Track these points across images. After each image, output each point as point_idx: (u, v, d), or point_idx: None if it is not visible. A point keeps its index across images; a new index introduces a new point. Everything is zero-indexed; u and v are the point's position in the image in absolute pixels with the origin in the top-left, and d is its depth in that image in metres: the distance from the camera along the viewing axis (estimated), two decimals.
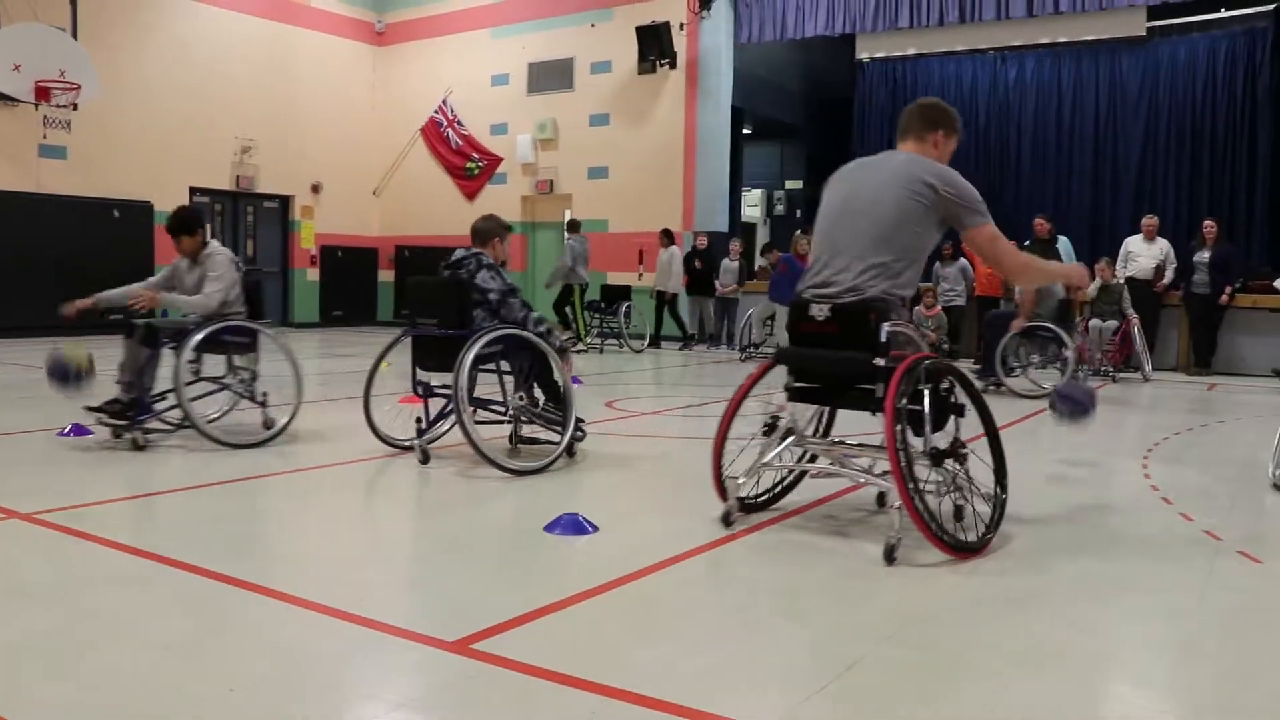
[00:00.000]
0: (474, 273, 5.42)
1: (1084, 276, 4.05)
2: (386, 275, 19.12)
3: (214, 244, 5.97)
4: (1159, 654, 2.86)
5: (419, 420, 5.42)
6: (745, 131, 17.82)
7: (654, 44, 15.38)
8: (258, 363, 5.96)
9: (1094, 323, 10.88)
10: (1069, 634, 2.93)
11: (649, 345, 14.23)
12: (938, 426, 3.68)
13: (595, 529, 3.94)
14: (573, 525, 3.93)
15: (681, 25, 15.43)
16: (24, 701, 2.34)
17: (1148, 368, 11.02)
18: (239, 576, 3.28)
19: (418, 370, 5.51)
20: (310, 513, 4.47)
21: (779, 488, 4.38)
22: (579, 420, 5.47)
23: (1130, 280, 11.68)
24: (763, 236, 19.42)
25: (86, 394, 5.64)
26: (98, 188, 14.80)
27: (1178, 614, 3.16)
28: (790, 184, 19.82)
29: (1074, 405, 4.47)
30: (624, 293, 14.38)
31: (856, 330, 3.72)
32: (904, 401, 3.57)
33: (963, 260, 12.18)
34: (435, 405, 5.48)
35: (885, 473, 3.82)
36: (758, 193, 20.21)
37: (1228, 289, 11.50)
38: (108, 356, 6.22)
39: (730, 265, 14.45)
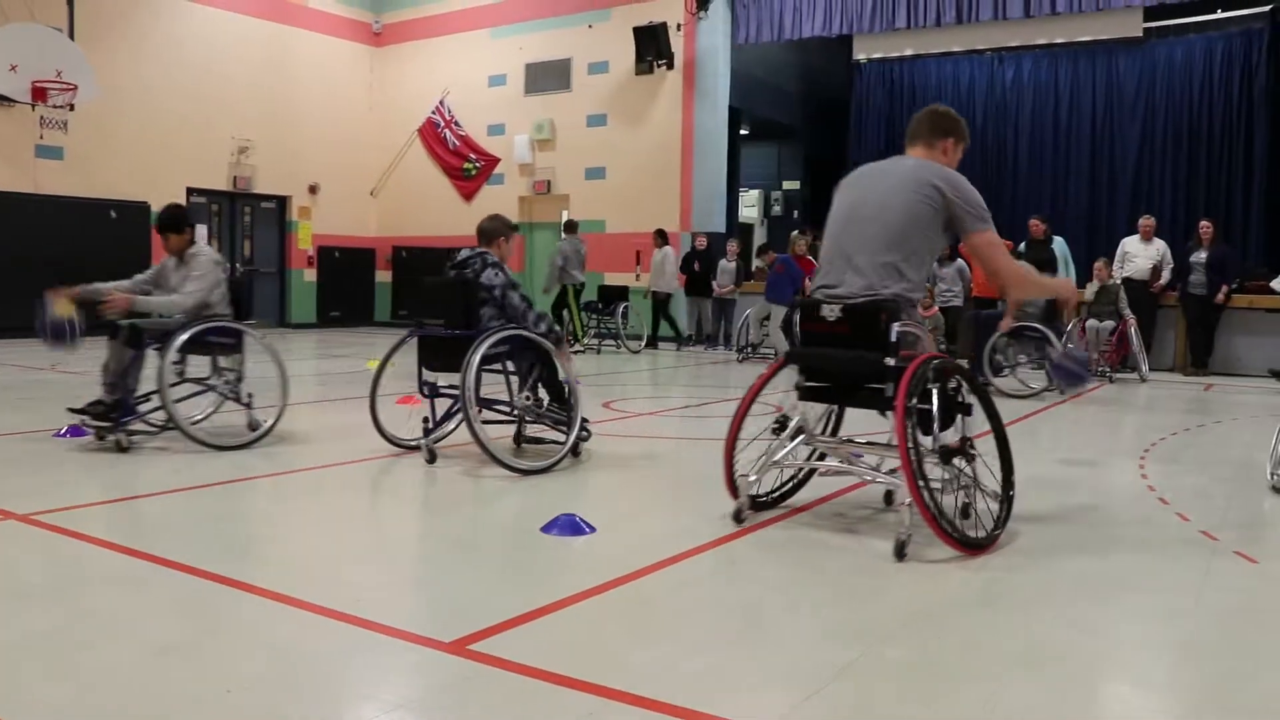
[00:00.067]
0: (479, 271, 5.46)
1: (1074, 293, 4.09)
2: (384, 276, 19.11)
3: (201, 244, 5.94)
4: (1156, 654, 2.86)
5: (426, 420, 5.45)
6: (742, 132, 17.82)
7: (651, 45, 15.38)
8: (243, 364, 5.92)
9: (1091, 323, 10.89)
10: (1067, 634, 2.93)
11: (646, 346, 14.23)
12: (945, 425, 3.74)
13: (593, 529, 3.94)
14: (570, 526, 3.93)
15: (679, 26, 15.43)
16: (23, 702, 2.34)
17: (1144, 368, 11.04)
18: (235, 577, 3.28)
19: (424, 370, 5.54)
20: (307, 513, 4.47)
21: (789, 485, 4.45)
22: (584, 420, 5.50)
23: (1127, 281, 11.69)
24: (760, 237, 19.42)
25: (80, 351, 5.59)
26: (94, 188, 14.78)
27: (1175, 614, 3.16)
28: (787, 184, 19.83)
29: (1069, 375, 4.60)
30: (621, 293, 14.38)
31: (867, 330, 3.79)
32: (914, 400, 3.63)
33: (960, 261, 12.19)
34: (439, 405, 5.51)
35: (892, 470, 3.90)
36: (755, 193, 20.22)
37: (1224, 288, 11.52)
38: (94, 357, 6.19)
39: (727, 266, 14.45)
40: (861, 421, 4.54)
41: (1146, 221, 12.24)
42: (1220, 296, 11.50)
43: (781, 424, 4.11)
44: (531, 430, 5.73)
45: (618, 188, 16.13)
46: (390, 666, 2.63)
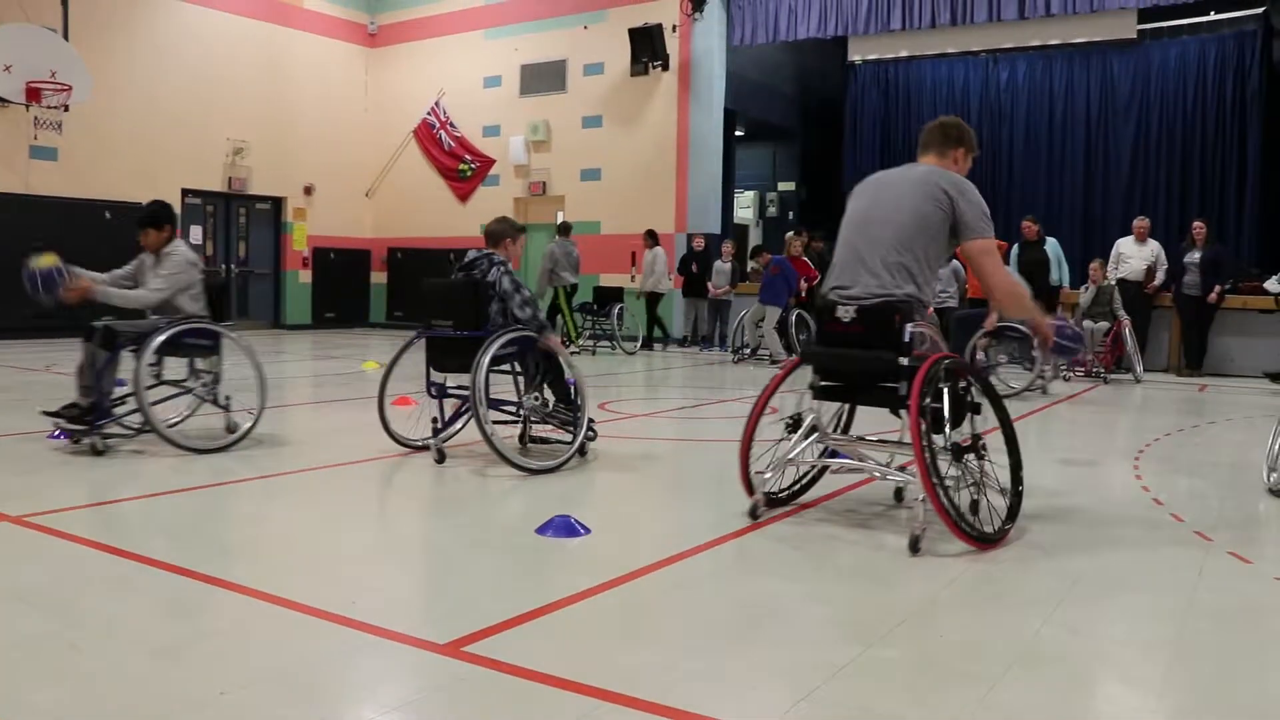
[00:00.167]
0: (486, 272, 5.52)
1: (1049, 336, 4.19)
2: (379, 277, 19.09)
3: (178, 243, 5.89)
4: (1149, 654, 2.87)
5: (435, 420, 5.51)
6: (737, 133, 17.83)
7: (646, 46, 15.38)
8: (220, 366, 5.86)
9: (1085, 324, 10.92)
10: (1061, 634, 2.94)
11: (641, 347, 14.23)
12: (955, 423, 3.86)
13: (587, 531, 3.94)
14: (565, 527, 3.93)
15: (674, 27, 15.43)
16: (19, 705, 2.33)
17: (1139, 369, 11.06)
18: (229, 579, 3.28)
19: (431, 371, 5.58)
20: (303, 515, 4.46)
21: (803, 481, 4.56)
22: (590, 420, 5.56)
23: (1121, 282, 11.72)
24: (755, 238, 19.43)
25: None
26: (89, 189, 14.75)
27: (1168, 615, 3.17)
28: (783, 186, 19.84)
29: (1063, 350, 4.72)
30: (616, 295, 14.37)
31: (881, 331, 3.90)
32: (927, 400, 3.74)
33: (955, 262, 12.20)
34: (436, 405, 5.54)
35: (902, 467, 4.07)
36: (750, 195, 20.23)
37: (1217, 288, 11.54)
38: (74, 359, 6.13)
39: (722, 267, 14.45)
40: (864, 420, 4.61)
41: (1141, 223, 12.27)
42: (1213, 296, 11.52)
43: (795, 422, 4.22)
44: (536, 430, 5.80)
45: (613, 189, 16.13)
46: (385, 668, 2.63)
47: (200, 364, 5.84)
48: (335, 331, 17.65)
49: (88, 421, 5.41)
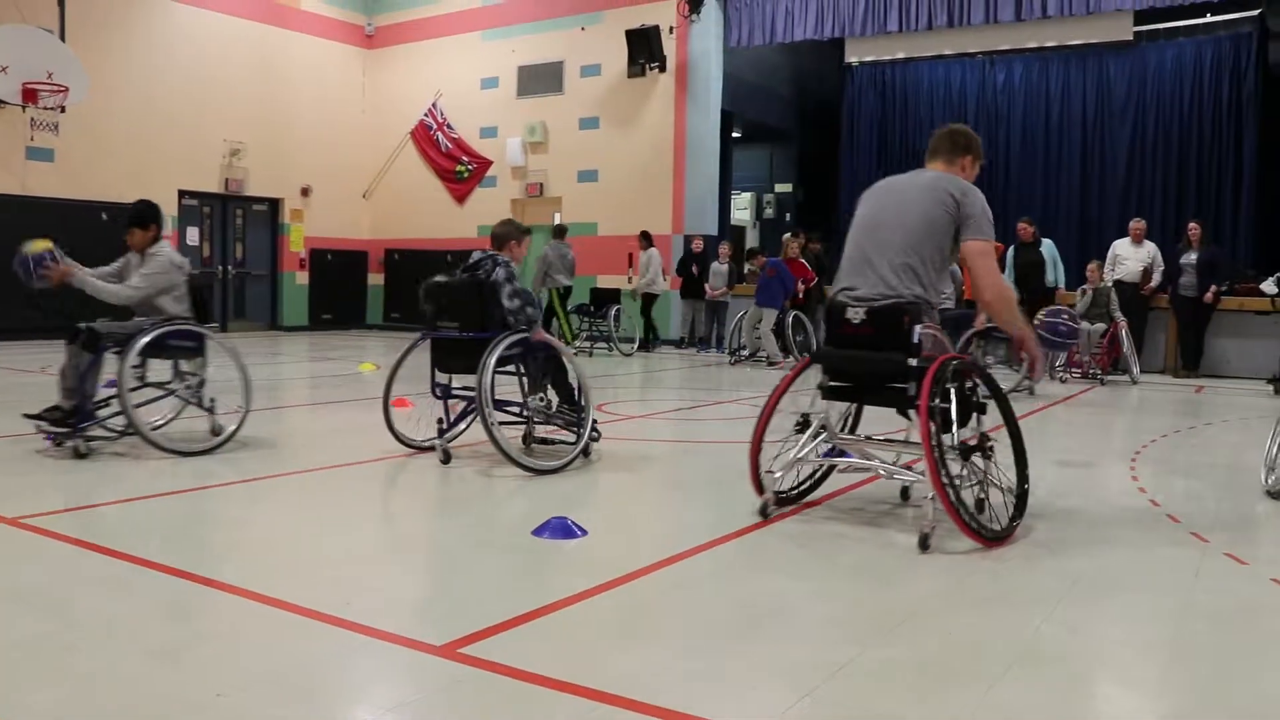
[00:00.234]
0: (490, 272, 5.54)
1: (1035, 352, 4.21)
2: (376, 279, 19.08)
3: (164, 243, 5.85)
4: (1146, 655, 2.87)
5: (440, 421, 5.53)
6: (735, 135, 17.84)
7: (643, 47, 15.38)
8: (205, 368, 5.82)
9: (1082, 325, 10.93)
10: (1058, 634, 2.94)
11: (638, 349, 14.23)
12: (962, 423, 3.94)
13: (584, 533, 3.94)
14: (561, 529, 3.93)
15: (671, 29, 15.44)
16: (18, 706, 2.33)
17: (1135, 370, 11.07)
18: (225, 580, 3.27)
19: (436, 372, 5.60)
20: (297, 517, 4.45)
21: (811, 480, 4.62)
22: (593, 421, 5.59)
23: (1118, 283, 11.74)
24: (752, 239, 19.45)
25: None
26: (86, 190, 14.72)
27: (1165, 615, 3.17)
28: (780, 187, 19.86)
29: (1054, 345, 4.79)
30: (613, 296, 14.37)
31: (891, 332, 3.97)
32: (936, 400, 3.82)
33: (953, 265, 12.21)
34: (437, 406, 5.56)
35: (908, 466, 4.17)
36: (747, 196, 20.24)
37: (1213, 288, 11.55)
38: (59, 362, 6.10)
39: (719, 268, 14.44)
40: (868, 420, 4.66)
41: (1137, 224, 12.29)
42: (1209, 295, 11.54)
43: (804, 423, 4.29)
44: (539, 430, 5.83)
45: (610, 190, 16.13)
46: (382, 670, 2.62)
47: (185, 366, 5.78)
48: (332, 333, 17.64)
49: (70, 424, 5.36)
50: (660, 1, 15.52)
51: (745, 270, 14.99)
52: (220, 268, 16.93)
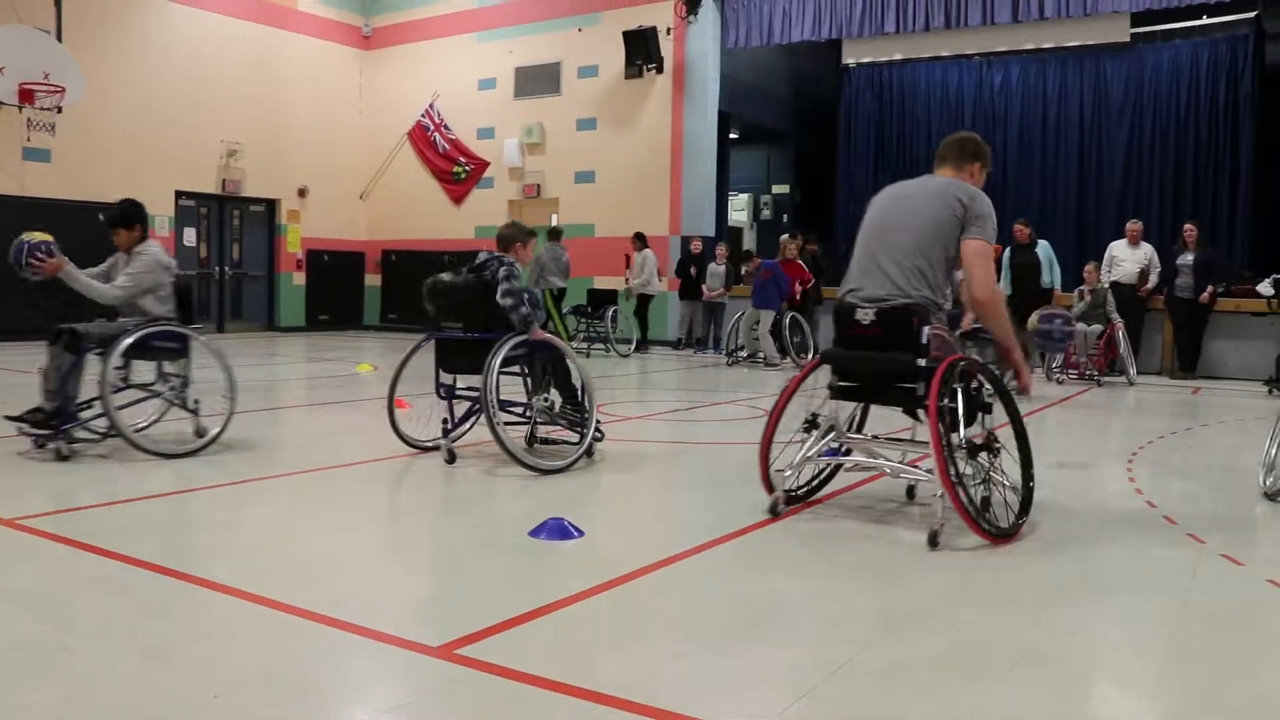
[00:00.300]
0: (495, 273, 5.56)
1: (1021, 363, 4.24)
2: (373, 279, 19.07)
3: (150, 243, 5.81)
4: (1142, 656, 2.87)
5: (445, 421, 5.54)
6: (732, 136, 17.83)
7: (641, 48, 15.39)
8: (189, 369, 5.76)
9: (1079, 327, 10.94)
10: (1054, 635, 2.94)
11: (635, 349, 14.23)
12: (970, 422, 4.00)
13: (581, 534, 3.94)
14: (558, 530, 3.93)
15: (668, 30, 15.45)
16: (15, 707, 2.33)
17: (1132, 371, 11.08)
18: (221, 581, 3.27)
19: (440, 372, 5.61)
20: (293, 518, 4.45)
21: (818, 478, 4.68)
22: (596, 421, 5.61)
23: (1115, 285, 11.75)
24: (750, 241, 19.45)
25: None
26: (82, 191, 14.69)
27: (1162, 616, 3.17)
28: (777, 188, 19.86)
29: (1052, 345, 4.84)
30: (610, 297, 14.37)
31: (900, 333, 4.03)
32: (944, 400, 3.87)
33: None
34: (440, 406, 5.57)
35: (914, 464, 4.22)
36: (744, 197, 20.24)
37: (1210, 289, 11.57)
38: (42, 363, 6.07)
39: (717, 269, 14.44)
40: (873, 420, 4.69)
41: (1134, 226, 12.31)
42: (1205, 297, 11.55)
43: (812, 422, 4.34)
44: (543, 431, 5.86)
45: (607, 192, 16.13)
46: (378, 671, 2.62)
47: (169, 367, 5.73)
48: (329, 334, 17.63)
49: (53, 426, 5.31)
50: (658, 3, 15.53)
51: (742, 271, 15.00)
52: (217, 268, 16.92)
